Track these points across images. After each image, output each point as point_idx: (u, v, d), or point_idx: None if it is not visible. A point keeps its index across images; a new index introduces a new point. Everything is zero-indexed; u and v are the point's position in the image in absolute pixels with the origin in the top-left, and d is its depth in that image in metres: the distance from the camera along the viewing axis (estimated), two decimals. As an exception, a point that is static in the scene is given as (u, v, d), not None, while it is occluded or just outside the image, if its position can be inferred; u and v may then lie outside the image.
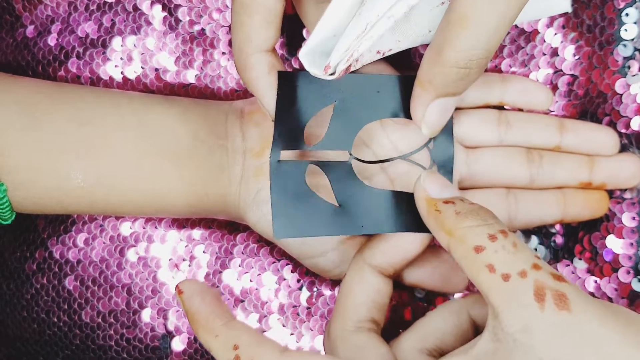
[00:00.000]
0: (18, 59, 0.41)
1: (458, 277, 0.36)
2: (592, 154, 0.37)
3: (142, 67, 0.41)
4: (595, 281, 0.38)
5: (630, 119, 0.37)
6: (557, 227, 0.38)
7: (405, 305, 0.39)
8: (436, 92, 0.31)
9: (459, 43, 0.28)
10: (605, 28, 0.38)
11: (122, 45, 0.41)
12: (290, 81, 0.33)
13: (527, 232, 0.39)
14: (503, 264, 0.27)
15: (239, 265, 0.41)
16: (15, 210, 0.36)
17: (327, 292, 0.40)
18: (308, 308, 0.40)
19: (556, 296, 0.26)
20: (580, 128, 0.37)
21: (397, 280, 0.36)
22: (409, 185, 0.35)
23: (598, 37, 0.38)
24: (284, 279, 0.40)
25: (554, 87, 0.38)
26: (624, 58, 0.37)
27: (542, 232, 0.39)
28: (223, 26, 0.40)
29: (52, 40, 0.41)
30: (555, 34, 0.38)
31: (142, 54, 0.41)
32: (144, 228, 0.41)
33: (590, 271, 0.38)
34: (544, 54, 0.38)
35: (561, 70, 0.38)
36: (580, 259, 0.38)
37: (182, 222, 0.41)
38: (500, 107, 0.38)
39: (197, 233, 0.41)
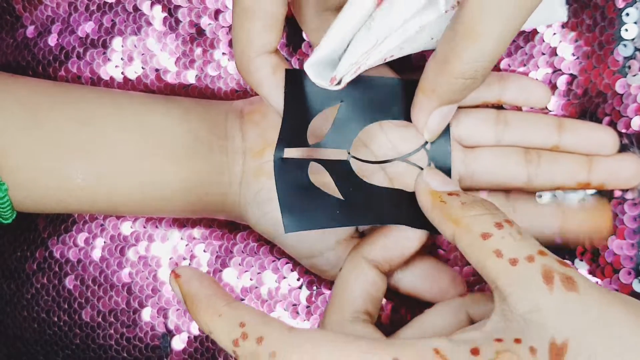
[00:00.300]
0: (18, 59, 0.42)
1: (455, 289, 0.36)
2: (592, 153, 0.37)
3: (142, 68, 0.41)
4: (597, 282, 0.38)
5: (631, 118, 0.37)
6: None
7: (406, 304, 0.39)
8: (439, 100, 0.32)
9: (466, 55, 0.29)
10: (605, 28, 0.38)
11: (122, 46, 0.41)
12: (297, 79, 0.33)
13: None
14: (510, 250, 0.28)
15: (239, 264, 0.41)
16: (16, 209, 0.36)
17: (326, 291, 0.40)
18: (307, 307, 0.40)
19: (564, 279, 0.27)
20: (579, 127, 0.37)
21: (394, 290, 0.36)
22: (407, 185, 0.35)
23: (598, 36, 0.38)
24: (284, 278, 0.40)
25: (553, 87, 0.38)
26: (624, 58, 0.37)
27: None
28: (223, 27, 0.40)
29: (52, 41, 0.41)
30: (554, 33, 0.38)
31: (143, 54, 0.41)
32: (144, 227, 0.41)
33: (591, 272, 0.38)
34: (543, 54, 0.39)
35: (560, 70, 0.39)
36: (581, 260, 0.38)
37: (182, 221, 0.41)
38: (499, 107, 0.38)
39: (197, 232, 0.41)
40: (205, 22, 0.40)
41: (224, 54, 0.41)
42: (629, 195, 0.37)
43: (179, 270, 0.30)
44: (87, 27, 0.41)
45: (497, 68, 0.39)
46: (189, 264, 0.41)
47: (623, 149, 0.38)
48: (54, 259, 0.42)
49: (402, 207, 0.34)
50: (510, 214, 0.37)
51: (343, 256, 0.36)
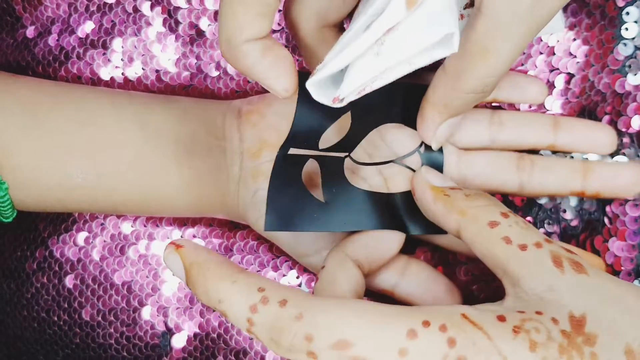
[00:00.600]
0: (18, 59, 0.42)
1: (450, 299, 0.36)
2: (589, 151, 0.37)
3: (142, 69, 0.41)
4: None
5: (631, 118, 0.37)
6: (557, 229, 0.38)
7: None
8: (450, 114, 0.33)
9: (478, 72, 0.30)
10: (605, 26, 0.38)
11: (122, 47, 0.41)
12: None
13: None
14: (518, 236, 0.28)
15: (239, 262, 0.41)
16: (16, 208, 0.37)
17: (325, 290, 0.40)
18: (307, 305, 0.40)
19: (572, 263, 0.27)
20: (575, 126, 0.37)
21: (390, 296, 0.37)
22: (400, 187, 0.36)
23: (597, 35, 0.38)
24: (284, 275, 0.40)
25: (551, 86, 0.38)
26: (625, 57, 0.37)
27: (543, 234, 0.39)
28: (223, 28, 0.41)
29: (52, 41, 0.42)
30: (552, 33, 0.38)
31: (143, 55, 0.41)
32: (145, 226, 0.41)
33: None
34: (541, 53, 0.39)
35: (558, 69, 0.39)
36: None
37: (183, 220, 0.41)
38: (497, 107, 0.38)
39: (197, 231, 0.41)
40: (204, 23, 0.41)
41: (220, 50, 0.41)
42: (630, 196, 0.37)
43: (180, 241, 0.29)
44: (87, 28, 0.41)
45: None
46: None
47: (622, 148, 0.37)
48: (54, 258, 0.42)
49: (382, 211, 0.35)
50: None
51: None
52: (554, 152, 0.38)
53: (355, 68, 0.30)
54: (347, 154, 0.35)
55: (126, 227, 0.42)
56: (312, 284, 0.40)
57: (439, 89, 0.32)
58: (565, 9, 0.38)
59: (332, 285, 0.32)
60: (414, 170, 0.36)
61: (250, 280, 0.26)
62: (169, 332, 0.41)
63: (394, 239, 0.35)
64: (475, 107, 0.38)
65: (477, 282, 0.39)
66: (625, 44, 0.37)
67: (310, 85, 0.31)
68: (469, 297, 0.38)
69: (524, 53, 0.39)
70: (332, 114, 0.35)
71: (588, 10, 0.38)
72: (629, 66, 0.37)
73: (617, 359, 0.25)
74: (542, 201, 0.38)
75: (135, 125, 0.36)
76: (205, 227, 0.41)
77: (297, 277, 0.40)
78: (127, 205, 0.37)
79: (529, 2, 0.27)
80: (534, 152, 0.38)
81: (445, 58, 0.31)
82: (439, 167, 0.36)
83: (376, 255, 0.34)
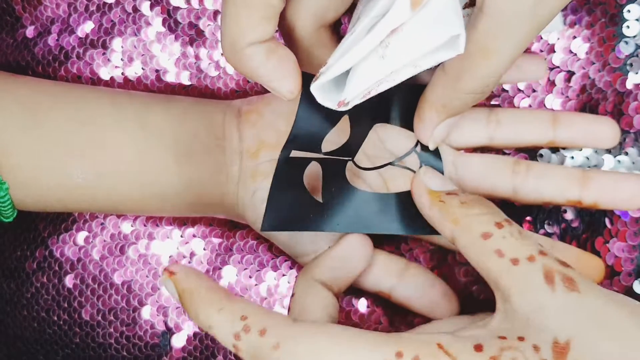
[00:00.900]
0: (18, 59, 0.42)
1: (446, 304, 0.36)
2: (591, 146, 0.37)
3: (142, 69, 0.41)
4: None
5: (632, 117, 0.37)
6: (557, 230, 0.38)
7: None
8: (448, 114, 0.33)
9: (479, 72, 0.30)
10: (606, 24, 0.37)
11: (122, 47, 0.41)
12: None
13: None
14: (511, 249, 0.28)
15: (239, 262, 0.41)
16: (16, 207, 0.37)
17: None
18: (307, 304, 0.40)
19: (564, 279, 0.27)
20: (575, 120, 0.37)
21: (387, 299, 0.37)
22: (399, 187, 0.36)
23: (598, 33, 0.38)
24: (283, 275, 0.41)
25: (552, 84, 0.38)
26: (626, 55, 0.37)
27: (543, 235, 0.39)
28: (222, 27, 0.41)
29: (52, 41, 0.42)
30: (552, 31, 0.38)
31: (143, 55, 0.41)
32: (145, 225, 0.42)
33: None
34: (541, 51, 0.39)
35: (558, 67, 0.38)
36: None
37: (182, 220, 0.41)
38: (494, 105, 0.39)
39: (197, 230, 0.41)
40: (204, 23, 0.41)
41: (223, 54, 0.41)
42: (629, 209, 0.37)
43: (172, 267, 0.29)
44: (87, 28, 0.42)
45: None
46: (189, 262, 0.41)
47: (621, 147, 0.37)
48: (54, 258, 0.42)
49: (386, 213, 0.35)
50: None
51: None
52: (555, 150, 0.38)
53: (359, 71, 0.30)
54: (350, 158, 0.35)
55: (126, 227, 0.42)
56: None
57: (438, 89, 0.32)
58: (565, 7, 0.38)
59: (304, 313, 0.33)
60: (412, 171, 0.36)
61: (235, 307, 0.28)
62: (169, 331, 0.41)
63: (360, 256, 0.35)
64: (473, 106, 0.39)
65: (477, 283, 0.39)
66: (626, 42, 0.37)
67: (315, 89, 0.31)
68: (469, 298, 0.38)
69: (524, 51, 0.39)
70: (332, 116, 0.35)
71: (589, 8, 0.38)
72: (631, 64, 0.37)
73: None
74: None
75: (135, 124, 0.37)
76: (205, 227, 0.41)
77: (297, 277, 0.40)
78: (127, 205, 0.37)
79: (532, 1, 0.27)
80: (536, 150, 0.38)
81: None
82: (437, 167, 0.36)
83: (344, 274, 0.35)
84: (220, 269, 0.41)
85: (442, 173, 0.36)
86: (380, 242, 0.38)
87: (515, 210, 0.39)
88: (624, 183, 0.36)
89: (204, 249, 0.41)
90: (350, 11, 0.34)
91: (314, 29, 0.34)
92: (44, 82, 0.38)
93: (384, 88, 0.30)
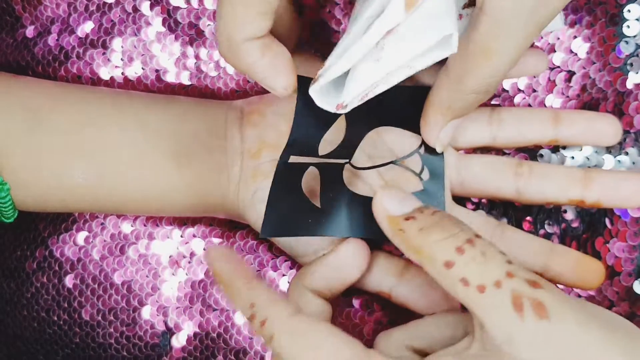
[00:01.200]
0: (18, 59, 0.42)
1: (446, 304, 0.36)
2: (593, 143, 0.37)
3: (142, 69, 0.42)
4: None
5: (633, 117, 0.37)
6: (558, 230, 0.38)
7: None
8: (453, 116, 0.33)
9: (481, 73, 0.30)
10: (607, 24, 0.38)
11: (122, 47, 0.42)
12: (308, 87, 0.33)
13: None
14: (476, 276, 0.27)
15: (239, 262, 0.41)
16: (17, 208, 0.37)
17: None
18: (306, 304, 0.41)
19: (534, 305, 0.26)
20: (576, 118, 0.37)
21: (387, 299, 0.37)
22: (401, 188, 0.36)
23: (599, 33, 0.38)
24: (283, 275, 0.41)
25: (552, 84, 0.39)
26: (626, 55, 0.37)
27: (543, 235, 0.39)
28: (222, 27, 0.41)
29: (52, 41, 0.42)
30: (552, 30, 0.38)
31: (143, 55, 0.41)
32: (145, 225, 0.42)
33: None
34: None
35: (559, 67, 0.39)
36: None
37: (183, 220, 0.42)
38: (495, 105, 0.39)
39: (197, 230, 0.41)
40: (204, 23, 0.41)
41: (219, 50, 0.41)
42: (632, 207, 0.37)
43: (209, 249, 0.32)
44: (87, 28, 0.42)
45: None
46: (189, 262, 0.41)
47: (621, 147, 0.38)
48: (54, 257, 0.42)
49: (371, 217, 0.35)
50: (497, 235, 0.37)
51: None
52: (555, 151, 0.38)
53: (356, 74, 0.30)
54: (347, 160, 0.35)
55: (126, 227, 0.42)
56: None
57: (442, 91, 0.32)
58: (566, 6, 0.38)
59: None
60: (414, 172, 0.36)
61: (247, 294, 0.30)
62: (169, 331, 0.41)
63: (355, 265, 0.35)
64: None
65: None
66: (627, 42, 0.37)
67: (313, 92, 0.31)
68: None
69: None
70: (328, 118, 0.35)
71: (589, 7, 0.38)
72: (631, 64, 0.37)
73: None
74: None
75: (136, 125, 0.37)
76: (205, 227, 0.41)
77: (290, 283, 0.40)
78: (128, 205, 0.38)
79: (533, 1, 0.27)
80: (536, 150, 0.39)
81: (446, 59, 0.31)
82: (439, 169, 0.36)
83: (338, 282, 0.35)
84: (220, 269, 0.41)
85: (443, 174, 0.36)
86: (380, 242, 0.38)
87: (515, 210, 0.39)
88: (625, 181, 0.36)
89: (204, 249, 0.41)
90: (349, 10, 0.35)
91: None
92: (44, 83, 0.39)
93: (380, 90, 0.31)
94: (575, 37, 0.38)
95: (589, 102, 0.38)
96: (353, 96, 0.30)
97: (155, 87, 0.41)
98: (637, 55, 0.37)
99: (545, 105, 0.39)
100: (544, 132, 0.37)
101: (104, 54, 0.42)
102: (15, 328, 0.43)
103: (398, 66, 0.29)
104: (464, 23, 0.32)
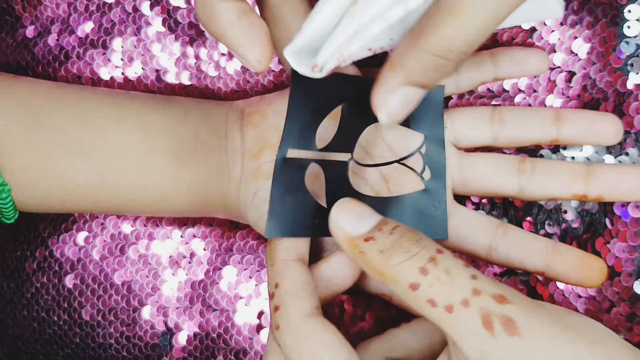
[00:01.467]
0: (18, 59, 0.42)
1: None
2: (594, 143, 0.37)
3: (142, 69, 0.42)
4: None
5: (633, 117, 0.37)
6: (558, 231, 0.38)
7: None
8: (405, 77, 0.29)
9: (443, 30, 0.27)
10: (607, 24, 0.38)
11: (122, 47, 0.42)
12: (304, 80, 0.33)
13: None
14: (442, 296, 0.27)
15: (239, 262, 0.41)
16: (18, 209, 0.37)
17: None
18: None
19: (504, 321, 0.26)
20: (578, 117, 0.37)
21: (388, 301, 0.37)
22: (402, 187, 0.36)
23: (599, 33, 0.38)
24: (283, 275, 0.41)
25: (552, 84, 0.39)
26: (627, 55, 0.37)
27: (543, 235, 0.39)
28: (222, 27, 0.41)
29: (52, 41, 0.42)
30: (553, 31, 0.39)
31: (143, 55, 0.42)
32: (145, 226, 0.42)
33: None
34: (542, 51, 0.39)
35: (559, 67, 0.39)
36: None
37: (183, 220, 0.42)
38: (497, 105, 0.39)
39: (197, 230, 0.42)
40: (204, 22, 0.41)
41: (223, 54, 0.41)
42: (635, 200, 0.37)
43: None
44: (87, 28, 0.42)
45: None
46: (189, 262, 0.41)
47: (620, 146, 0.38)
48: (54, 258, 0.42)
49: (386, 217, 0.34)
50: (499, 235, 0.36)
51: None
52: (555, 151, 0.38)
53: (332, 34, 0.29)
54: (350, 156, 0.35)
55: (126, 227, 0.42)
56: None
57: (400, 46, 0.29)
58: (567, 5, 0.38)
59: None
60: (415, 171, 0.36)
61: (280, 272, 0.32)
62: (169, 331, 0.41)
63: (346, 276, 0.34)
64: (475, 105, 0.39)
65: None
66: (627, 42, 0.37)
67: (288, 53, 0.30)
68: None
69: (524, 46, 0.39)
70: (323, 108, 0.34)
71: (590, 8, 0.38)
72: (631, 65, 0.37)
73: None
74: (543, 202, 0.38)
75: (137, 125, 0.37)
76: (205, 227, 0.42)
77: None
78: (129, 206, 0.38)
79: None
80: (537, 150, 0.39)
81: None
82: (441, 168, 0.36)
83: (329, 292, 0.35)
84: (220, 269, 0.41)
85: (445, 173, 0.36)
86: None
87: (516, 210, 0.39)
88: (627, 175, 0.36)
89: (204, 249, 0.41)
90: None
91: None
92: (45, 83, 0.39)
93: (357, 48, 0.29)
94: (575, 37, 0.38)
95: (589, 102, 0.38)
96: (327, 55, 0.30)
97: (156, 87, 0.42)
98: (638, 56, 0.37)
99: (545, 106, 0.39)
100: (545, 131, 0.37)
101: (104, 54, 0.42)
102: (15, 328, 0.43)
103: (371, 17, 0.28)
104: None
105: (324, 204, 0.34)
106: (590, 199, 0.36)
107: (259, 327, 0.41)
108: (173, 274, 0.42)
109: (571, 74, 0.39)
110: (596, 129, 0.37)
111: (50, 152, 0.36)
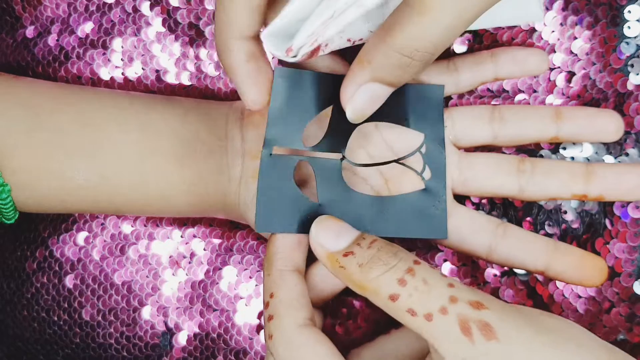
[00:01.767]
0: (18, 59, 0.42)
1: None
2: (594, 140, 0.37)
3: (142, 69, 0.42)
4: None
5: (633, 118, 0.37)
6: (558, 231, 0.38)
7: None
8: (372, 73, 0.30)
9: (410, 29, 0.27)
10: (607, 25, 0.38)
11: (122, 47, 0.42)
12: (287, 78, 0.34)
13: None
14: (421, 306, 0.28)
15: (239, 262, 0.41)
16: (18, 209, 0.37)
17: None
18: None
19: (481, 326, 0.26)
20: (578, 115, 0.37)
21: None
22: (402, 186, 0.36)
23: (599, 33, 0.38)
24: (283, 275, 0.41)
25: (552, 84, 0.39)
26: (627, 56, 0.37)
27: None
28: (222, 28, 0.41)
29: (52, 41, 0.42)
30: (553, 31, 0.39)
31: (143, 55, 0.42)
32: (145, 226, 0.42)
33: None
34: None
35: (559, 67, 0.39)
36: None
37: (183, 220, 0.42)
38: (496, 104, 0.39)
39: (197, 230, 0.42)
40: (204, 23, 0.41)
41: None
42: (635, 199, 0.37)
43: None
44: (87, 28, 0.42)
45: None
46: (189, 262, 0.41)
47: (621, 147, 0.38)
48: (54, 258, 0.42)
49: (381, 216, 0.35)
50: (499, 235, 0.37)
51: None
52: (555, 151, 0.38)
53: (309, 19, 0.30)
54: (341, 156, 0.35)
55: (126, 227, 0.42)
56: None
57: (369, 42, 0.30)
58: (567, 6, 0.38)
59: None
60: (415, 171, 0.36)
61: (275, 282, 0.32)
62: (169, 332, 0.41)
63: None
64: (475, 105, 0.39)
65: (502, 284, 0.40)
66: (627, 43, 0.37)
67: (265, 36, 0.31)
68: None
69: (524, 45, 0.39)
70: (312, 107, 0.34)
71: (590, 8, 0.38)
72: (632, 65, 0.37)
73: None
74: (543, 202, 0.38)
75: (137, 126, 0.37)
76: (205, 227, 0.42)
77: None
78: (129, 206, 0.38)
79: None
80: (537, 150, 0.39)
81: None
82: (441, 168, 0.36)
83: (326, 291, 0.35)
84: (220, 269, 0.41)
85: (445, 174, 0.36)
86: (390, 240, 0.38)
87: (515, 211, 0.39)
88: (627, 174, 0.36)
89: (204, 249, 0.41)
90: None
91: None
92: (45, 83, 0.39)
93: (332, 33, 0.30)
94: (575, 37, 0.38)
95: (589, 102, 0.38)
96: (303, 39, 0.30)
97: (156, 88, 0.42)
98: (638, 56, 0.37)
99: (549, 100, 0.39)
100: (545, 129, 0.37)
101: (104, 54, 0.42)
102: (16, 328, 0.43)
103: (346, 3, 0.29)
104: None
105: (315, 200, 0.34)
106: (590, 199, 0.36)
107: (259, 327, 0.41)
108: (173, 274, 0.42)
109: (571, 74, 0.39)
110: (596, 125, 0.37)
111: (51, 153, 0.36)
